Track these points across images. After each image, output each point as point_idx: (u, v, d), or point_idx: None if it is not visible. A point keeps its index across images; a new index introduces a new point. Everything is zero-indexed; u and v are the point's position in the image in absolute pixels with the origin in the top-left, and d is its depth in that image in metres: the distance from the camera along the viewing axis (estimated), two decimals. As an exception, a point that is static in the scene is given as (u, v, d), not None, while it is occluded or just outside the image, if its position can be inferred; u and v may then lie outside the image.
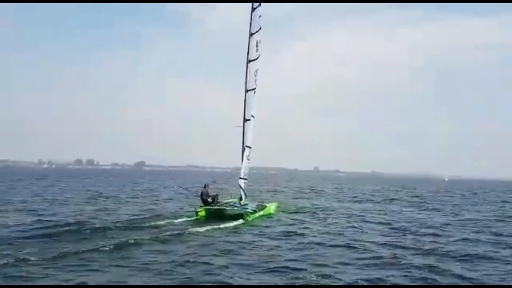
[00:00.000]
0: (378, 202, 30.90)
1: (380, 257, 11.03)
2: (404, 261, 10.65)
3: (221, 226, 15.55)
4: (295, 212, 21.53)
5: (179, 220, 16.85)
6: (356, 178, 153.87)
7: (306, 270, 9.62)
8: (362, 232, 15.50)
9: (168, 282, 8.48)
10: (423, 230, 16.33)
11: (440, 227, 17.43)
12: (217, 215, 17.83)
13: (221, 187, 41.52)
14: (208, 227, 14.95)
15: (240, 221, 16.79)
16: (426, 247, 12.62)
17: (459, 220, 20.02)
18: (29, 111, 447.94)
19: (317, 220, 18.81)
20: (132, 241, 11.82)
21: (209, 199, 18.47)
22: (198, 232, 14.15)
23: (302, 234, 14.48)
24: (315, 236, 14.06)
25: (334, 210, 22.98)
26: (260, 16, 19.38)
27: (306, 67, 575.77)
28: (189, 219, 17.21)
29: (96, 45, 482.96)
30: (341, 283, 8.73)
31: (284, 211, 21.63)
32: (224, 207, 18.54)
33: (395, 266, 10.26)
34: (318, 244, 12.76)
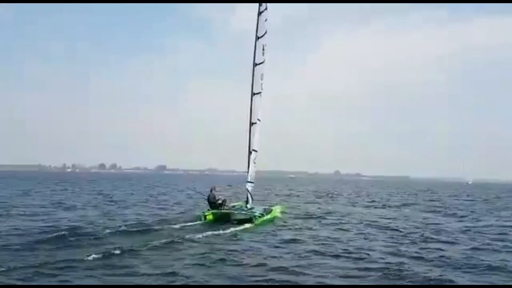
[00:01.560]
0: (394, 207, 29.69)
1: (381, 268, 10.14)
2: (406, 272, 9.81)
3: (227, 231, 15.10)
4: (302, 218, 20.71)
5: (183, 224, 16.42)
6: (378, 182, 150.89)
7: (296, 282, 8.94)
8: (367, 239, 14.56)
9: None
10: (436, 237, 15.32)
11: (456, 233, 16.37)
12: (224, 218, 17.68)
13: (236, 190, 41.18)
14: (210, 232, 14.45)
15: (248, 225, 16.60)
16: (432, 256, 11.74)
17: (477, 227, 18.85)
18: (56, 117, 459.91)
19: (323, 226, 17.95)
20: (125, 249, 11.15)
21: (217, 202, 18.24)
22: (197, 238, 13.53)
23: (302, 241, 13.71)
24: (315, 244, 13.23)
25: (344, 216, 21.97)
26: (266, 20, 19.20)
27: (328, 68, 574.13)
28: (194, 223, 16.82)
29: (121, 51, 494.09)
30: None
31: (291, 216, 20.96)
32: (232, 211, 18.33)
33: (396, 277, 9.45)
34: (315, 252, 11.96)
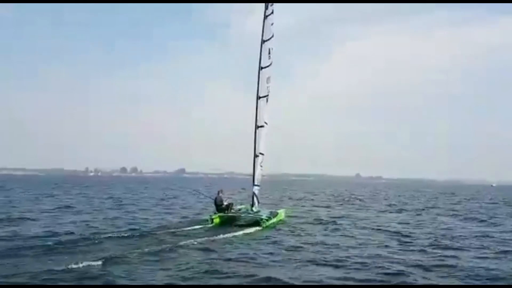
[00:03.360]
0: (412, 211, 28.60)
1: (380, 280, 9.52)
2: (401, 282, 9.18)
3: (225, 235, 14.72)
4: (310, 222, 20.01)
5: (185, 228, 16.15)
6: (400, 185, 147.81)
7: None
8: (372, 246, 13.67)
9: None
10: (448, 243, 14.52)
11: (469, 239, 15.48)
12: (231, 222, 17.73)
13: (250, 193, 40.56)
14: (205, 238, 13.96)
15: (255, 228, 16.52)
16: (436, 263, 11.03)
17: (494, 232, 17.81)
18: (80, 123, 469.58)
19: (330, 231, 17.12)
20: (108, 257, 10.64)
21: (223, 205, 18.29)
22: (191, 244, 13.00)
23: (301, 248, 12.98)
24: (314, 252, 12.46)
25: (355, 221, 21.01)
26: (272, 24, 19.22)
27: (346, 69, 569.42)
28: (199, 226, 16.70)
29: (138, 57, 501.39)
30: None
31: (300, 221, 20.34)
32: (239, 214, 18.39)
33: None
34: (311, 261, 11.19)
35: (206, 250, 12.33)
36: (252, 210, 18.92)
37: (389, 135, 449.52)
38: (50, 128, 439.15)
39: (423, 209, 30.47)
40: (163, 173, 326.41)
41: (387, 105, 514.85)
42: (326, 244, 13.81)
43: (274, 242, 14.00)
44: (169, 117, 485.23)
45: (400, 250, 13.09)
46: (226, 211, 18.17)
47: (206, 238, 14.06)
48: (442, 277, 9.90)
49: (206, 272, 9.77)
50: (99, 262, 10.04)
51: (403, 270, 10.21)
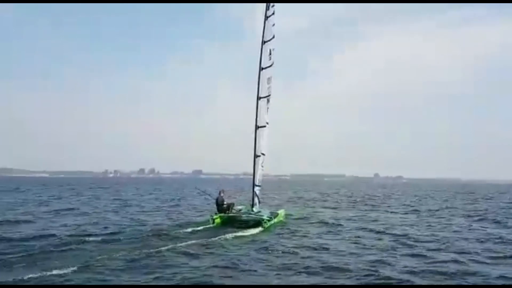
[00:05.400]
0: (426, 211, 27.57)
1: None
2: None
3: (238, 234, 14.89)
4: (312, 223, 19.48)
5: (182, 230, 15.93)
6: (420, 185, 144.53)
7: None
8: (372, 251, 12.80)
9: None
10: (450, 246, 13.74)
11: (474, 243, 14.56)
12: (232, 222, 17.73)
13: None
14: (194, 241, 13.49)
15: (257, 229, 16.45)
16: (428, 268, 10.26)
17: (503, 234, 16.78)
18: (103, 125, 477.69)
19: (329, 234, 16.35)
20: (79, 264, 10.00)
21: (224, 206, 18.43)
22: (178, 247, 12.48)
23: (294, 252, 12.24)
24: (304, 258, 11.62)
25: (361, 223, 20.20)
26: (274, 25, 19.21)
27: (359, 69, 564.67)
28: (202, 227, 16.69)
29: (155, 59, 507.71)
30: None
31: (305, 222, 19.91)
32: (239, 214, 18.39)
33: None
34: (300, 267, 10.41)
35: (189, 255, 11.64)
36: (252, 210, 18.86)
37: (416, 135, 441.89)
38: (69, 130, 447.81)
39: (438, 210, 29.35)
40: (180, 174, 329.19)
41: (403, 106, 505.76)
42: (322, 249, 13.05)
43: (269, 246, 13.29)
44: (187, 119, 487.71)
45: (400, 255, 12.18)
46: (227, 211, 18.23)
47: (192, 241, 13.53)
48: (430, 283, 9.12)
49: (183, 279, 9.15)
50: (67, 270, 9.39)
51: (396, 278, 9.42)
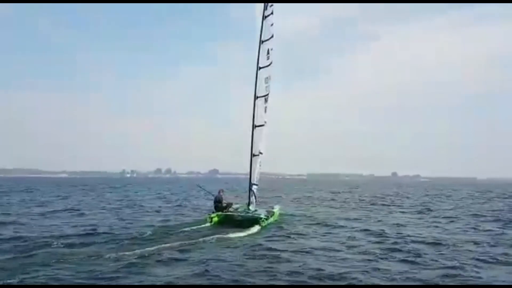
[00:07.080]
0: (435, 211, 26.65)
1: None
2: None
3: (230, 236, 14.68)
4: (309, 224, 18.96)
5: (190, 228, 16.10)
6: (437, 184, 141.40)
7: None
8: (360, 255, 12.11)
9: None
10: (452, 247, 13.04)
11: (476, 245, 13.78)
12: (230, 221, 17.77)
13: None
14: (179, 242, 13.06)
15: (257, 228, 16.57)
16: (411, 276, 9.45)
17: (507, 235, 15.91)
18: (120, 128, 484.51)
19: (326, 236, 15.68)
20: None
21: (222, 205, 18.66)
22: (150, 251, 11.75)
23: (278, 257, 11.60)
24: (290, 262, 11.05)
25: (360, 223, 19.55)
26: (272, 25, 19.21)
27: (373, 68, 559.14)
28: (200, 226, 16.80)
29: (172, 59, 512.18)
30: None
31: (307, 223, 19.42)
32: (237, 213, 18.47)
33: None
34: (287, 272, 9.81)
35: (165, 260, 11.03)
36: (249, 209, 19.07)
37: (425, 136, 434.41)
38: (86, 130, 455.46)
39: (451, 209, 28.41)
40: (196, 174, 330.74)
41: (421, 105, 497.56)
42: (306, 253, 12.31)
43: (256, 248, 12.75)
44: (203, 120, 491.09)
45: (394, 260, 11.49)
46: (225, 210, 18.48)
47: (176, 243, 13.06)
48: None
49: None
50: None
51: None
